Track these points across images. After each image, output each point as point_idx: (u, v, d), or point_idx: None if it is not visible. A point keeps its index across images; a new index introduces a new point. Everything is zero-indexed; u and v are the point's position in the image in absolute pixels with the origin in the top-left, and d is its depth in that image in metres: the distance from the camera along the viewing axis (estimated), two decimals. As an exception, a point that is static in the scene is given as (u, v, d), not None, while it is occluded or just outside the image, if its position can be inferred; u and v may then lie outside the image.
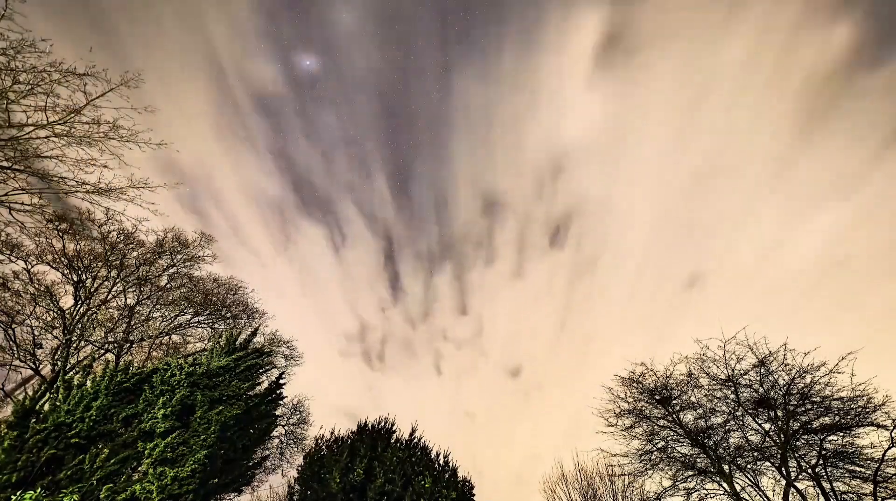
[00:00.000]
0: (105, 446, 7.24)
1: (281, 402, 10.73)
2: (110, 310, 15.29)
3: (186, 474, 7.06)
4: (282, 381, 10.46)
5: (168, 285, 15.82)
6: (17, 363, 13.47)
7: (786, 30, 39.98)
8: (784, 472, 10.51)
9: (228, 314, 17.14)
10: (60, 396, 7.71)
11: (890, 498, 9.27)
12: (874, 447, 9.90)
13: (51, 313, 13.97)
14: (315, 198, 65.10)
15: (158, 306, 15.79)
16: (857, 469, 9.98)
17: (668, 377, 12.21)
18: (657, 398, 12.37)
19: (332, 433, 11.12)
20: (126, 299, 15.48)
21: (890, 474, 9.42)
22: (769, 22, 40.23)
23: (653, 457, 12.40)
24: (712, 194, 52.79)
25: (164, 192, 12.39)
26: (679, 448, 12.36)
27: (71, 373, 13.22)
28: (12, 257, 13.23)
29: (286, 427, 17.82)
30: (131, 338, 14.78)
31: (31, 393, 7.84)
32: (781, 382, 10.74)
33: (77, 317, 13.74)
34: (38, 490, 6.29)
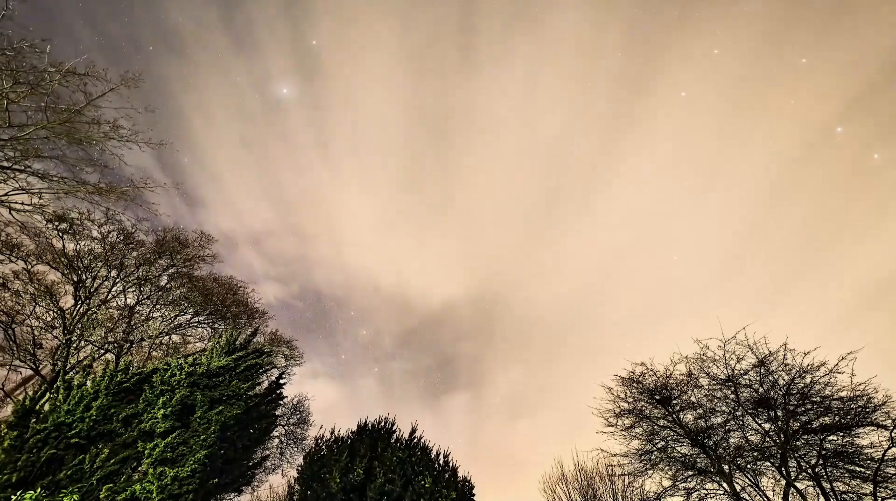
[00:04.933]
0: (105, 446, 7.24)
1: (281, 402, 10.74)
2: (110, 310, 15.29)
3: (186, 474, 7.06)
4: (282, 381, 10.47)
5: (168, 286, 15.82)
6: (17, 363, 13.46)
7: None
8: (784, 472, 10.51)
9: (228, 314, 17.13)
10: (60, 396, 7.71)
11: (890, 498, 9.27)
12: (874, 447, 9.90)
13: (51, 313, 13.97)
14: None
15: (158, 306, 15.79)
16: (857, 469, 9.97)
17: (668, 377, 12.20)
18: (657, 398, 12.36)
19: (332, 433, 11.12)
20: (126, 299, 15.48)
21: (890, 474, 9.41)
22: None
23: (653, 457, 12.40)
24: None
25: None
26: (679, 448, 12.35)
27: (71, 373, 13.23)
28: (12, 257, 13.23)
29: (286, 427, 17.81)
30: (131, 338, 14.78)
31: (31, 393, 7.84)
32: (781, 382, 10.74)
33: (77, 317, 13.74)
34: (38, 490, 6.30)
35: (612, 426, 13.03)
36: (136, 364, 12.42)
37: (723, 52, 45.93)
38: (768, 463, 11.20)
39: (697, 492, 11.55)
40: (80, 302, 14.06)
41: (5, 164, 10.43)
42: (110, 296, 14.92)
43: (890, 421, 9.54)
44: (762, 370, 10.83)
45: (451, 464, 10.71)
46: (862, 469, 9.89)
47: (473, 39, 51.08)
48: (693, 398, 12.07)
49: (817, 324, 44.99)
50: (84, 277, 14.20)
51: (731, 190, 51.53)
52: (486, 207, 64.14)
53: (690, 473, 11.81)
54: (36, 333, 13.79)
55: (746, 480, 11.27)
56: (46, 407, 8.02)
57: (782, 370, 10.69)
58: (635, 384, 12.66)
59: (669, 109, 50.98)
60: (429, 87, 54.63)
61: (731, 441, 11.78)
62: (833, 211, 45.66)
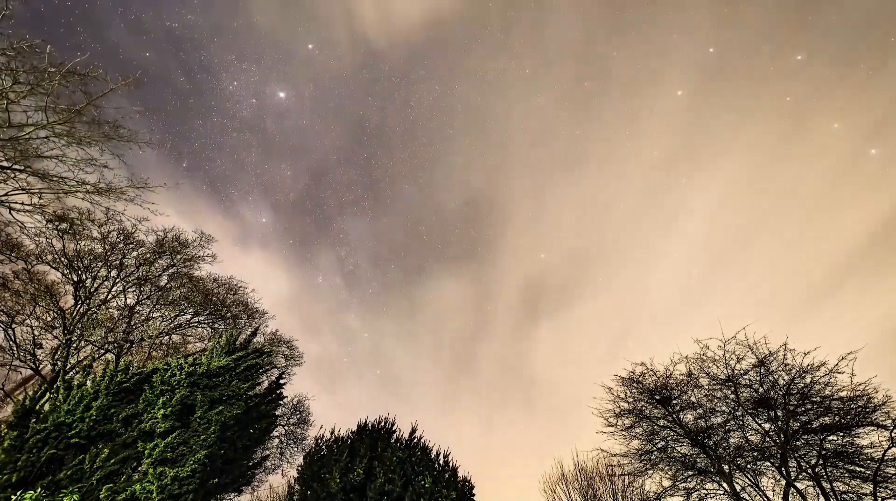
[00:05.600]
0: (105, 446, 7.24)
1: (281, 402, 10.75)
2: (110, 310, 15.29)
3: (186, 474, 7.06)
4: (282, 381, 10.48)
5: (168, 285, 15.82)
6: (17, 363, 13.47)
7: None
8: (784, 472, 10.51)
9: (228, 314, 17.14)
10: (60, 396, 7.71)
11: (890, 498, 9.27)
12: (874, 447, 9.90)
13: (51, 313, 13.97)
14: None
15: (158, 306, 15.79)
16: (857, 469, 9.98)
17: (668, 377, 12.20)
18: (657, 398, 12.37)
19: (332, 433, 11.12)
20: (126, 299, 15.48)
21: (890, 474, 9.42)
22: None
23: (653, 457, 12.40)
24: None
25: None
26: (679, 448, 12.36)
27: (71, 373, 13.23)
28: (12, 257, 13.24)
29: (286, 427, 17.81)
30: (131, 338, 14.78)
31: (31, 393, 7.84)
32: (781, 382, 10.74)
33: (77, 317, 13.74)
34: (38, 490, 6.30)
35: (612, 426, 13.04)
36: (136, 364, 12.41)
37: (718, 51, 45.96)
38: (768, 463, 11.20)
39: (697, 492, 11.56)
40: (80, 302, 14.06)
41: (5, 164, 10.43)
42: (110, 296, 14.92)
43: (890, 421, 9.55)
44: (762, 370, 10.83)
45: (451, 464, 10.71)
46: (862, 469, 9.89)
47: None
48: (693, 398, 12.07)
49: (815, 321, 45.12)
50: (84, 277, 14.20)
51: (728, 189, 51.58)
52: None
53: (690, 473, 11.81)
54: (36, 333, 13.80)
55: (746, 480, 11.27)
56: (46, 407, 8.03)
57: (782, 370, 10.70)
58: (635, 384, 12.66)
59: (663, 107, 51.03)
60: None
61: (731, 441, 11.79)
62: (831, 208, 45.75)
